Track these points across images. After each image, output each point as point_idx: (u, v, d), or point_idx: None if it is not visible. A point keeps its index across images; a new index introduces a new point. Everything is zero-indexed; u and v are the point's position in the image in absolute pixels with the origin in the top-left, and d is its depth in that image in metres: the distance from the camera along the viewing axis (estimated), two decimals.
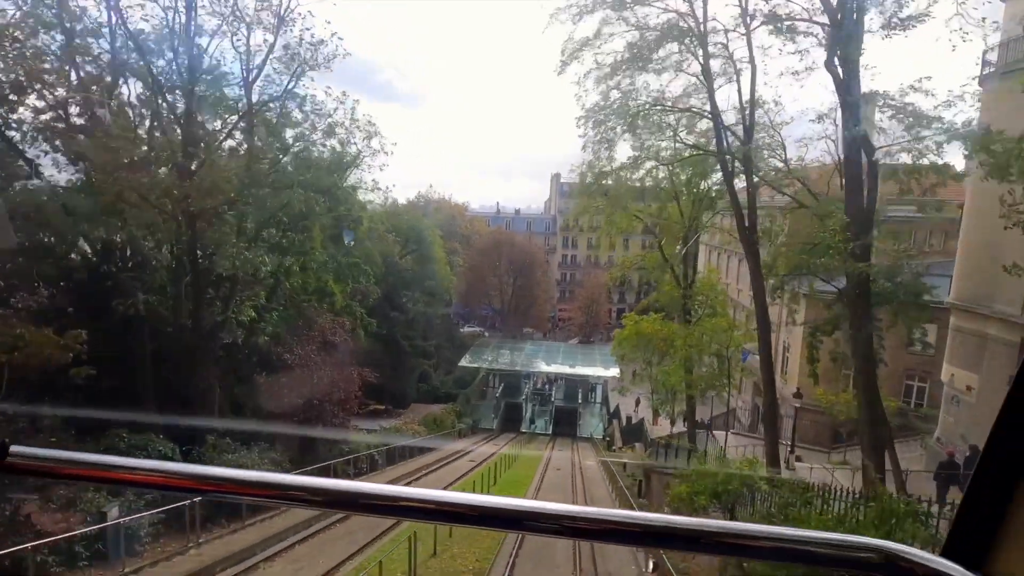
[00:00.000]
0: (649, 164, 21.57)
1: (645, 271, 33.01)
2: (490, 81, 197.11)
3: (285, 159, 23.36)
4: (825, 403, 26.83)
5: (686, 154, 21.03)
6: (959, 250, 22.98)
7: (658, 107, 19.22)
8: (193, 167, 19.41)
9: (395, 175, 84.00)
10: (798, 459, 24.51)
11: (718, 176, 23.61)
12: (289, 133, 23.58)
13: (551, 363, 57.56)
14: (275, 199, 21.65)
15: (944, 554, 1.04)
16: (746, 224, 17.83)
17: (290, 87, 22.23)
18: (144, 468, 1.22)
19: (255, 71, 21.57)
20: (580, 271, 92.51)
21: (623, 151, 21.82)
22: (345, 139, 24.35)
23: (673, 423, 34.07)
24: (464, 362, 53.28)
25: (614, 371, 51.21)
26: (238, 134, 22.94)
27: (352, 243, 30.80)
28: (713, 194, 24.84)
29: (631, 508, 18.51)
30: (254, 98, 21.83)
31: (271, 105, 22.64)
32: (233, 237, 20.29)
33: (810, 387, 28.88)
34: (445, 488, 23.71)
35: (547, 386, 59.30)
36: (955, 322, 22.81)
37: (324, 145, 24.56)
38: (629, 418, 41.11)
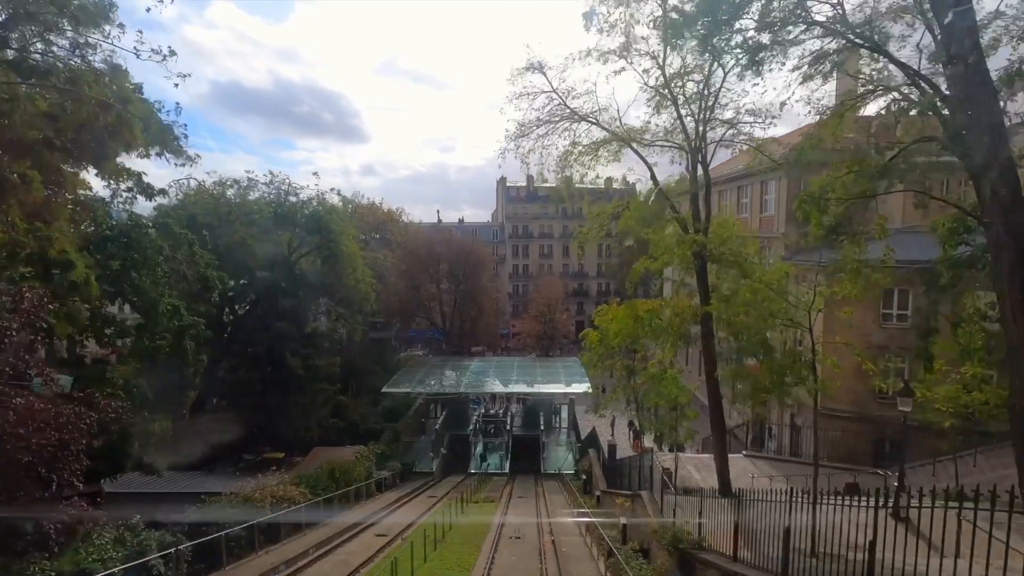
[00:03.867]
0: None
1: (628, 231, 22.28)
2: (433, 107, 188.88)
3: None
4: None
5: None
6: None
7: None
8: None
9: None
10: None
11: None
12: None
13: (506, 382, 45.76)
14: None
15: None
16: None
17: None
18: None
19: None
20: (533, 282, 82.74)
21: None
22: None
23: (680, 448, 24.18)
24: (390, 387, 41.09)
25: (583, 386, 40.28)
26: None
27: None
28: (736, 78, 14.45)
29: None
30: None
31: None
32: None
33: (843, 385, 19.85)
34: None
35: (501, 411, 47.43)
36: None
37: None
38: (612, 447, 29.85)
